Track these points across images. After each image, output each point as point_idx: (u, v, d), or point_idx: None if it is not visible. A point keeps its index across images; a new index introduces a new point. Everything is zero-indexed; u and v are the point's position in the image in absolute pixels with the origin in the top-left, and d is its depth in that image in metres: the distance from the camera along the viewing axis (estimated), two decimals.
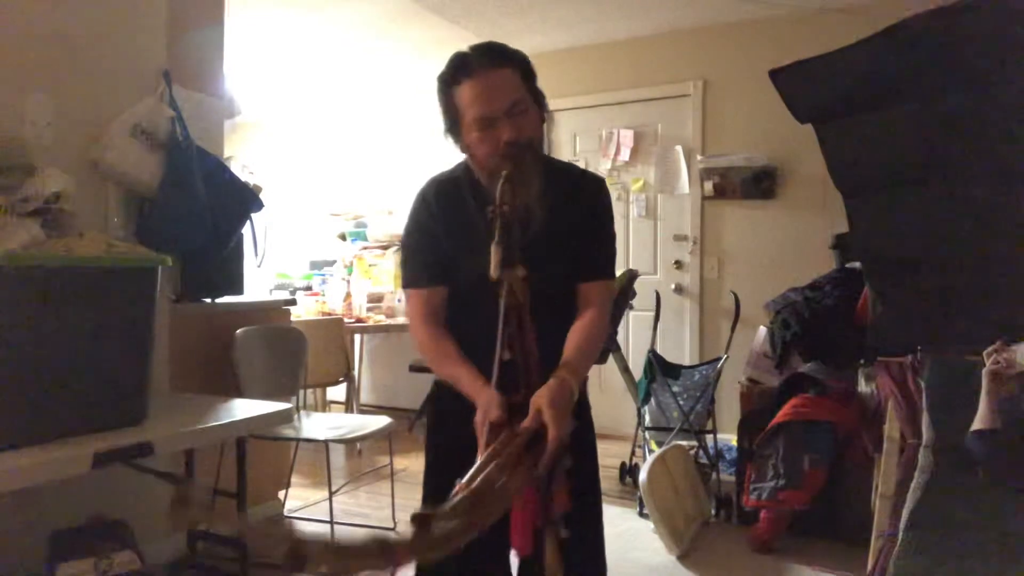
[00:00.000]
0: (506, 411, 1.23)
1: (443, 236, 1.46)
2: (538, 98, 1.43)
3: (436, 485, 1.53)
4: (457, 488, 1.04)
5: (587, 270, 1.47)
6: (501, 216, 1.22)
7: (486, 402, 1.26)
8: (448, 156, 1.54)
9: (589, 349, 1.40)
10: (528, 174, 1.34)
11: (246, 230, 2.75)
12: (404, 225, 1.56)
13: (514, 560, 1.29)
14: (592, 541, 1.51)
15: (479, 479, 1.06)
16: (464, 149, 1.44)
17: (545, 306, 1.37)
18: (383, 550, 0.88)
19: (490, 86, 1.35)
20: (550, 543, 1.27)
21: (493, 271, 1.21)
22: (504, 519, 1.24)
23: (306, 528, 3.08)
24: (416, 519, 0.92)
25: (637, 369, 3.70)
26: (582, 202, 1.49)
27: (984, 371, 1.90)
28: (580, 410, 1.43)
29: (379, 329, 4.89)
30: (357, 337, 4.94)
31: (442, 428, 1.57)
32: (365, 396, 5.42)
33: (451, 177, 1.51)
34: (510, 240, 1.22)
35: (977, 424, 1.87)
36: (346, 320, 4.58)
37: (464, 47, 1.42)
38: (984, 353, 1.92)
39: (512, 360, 1.26)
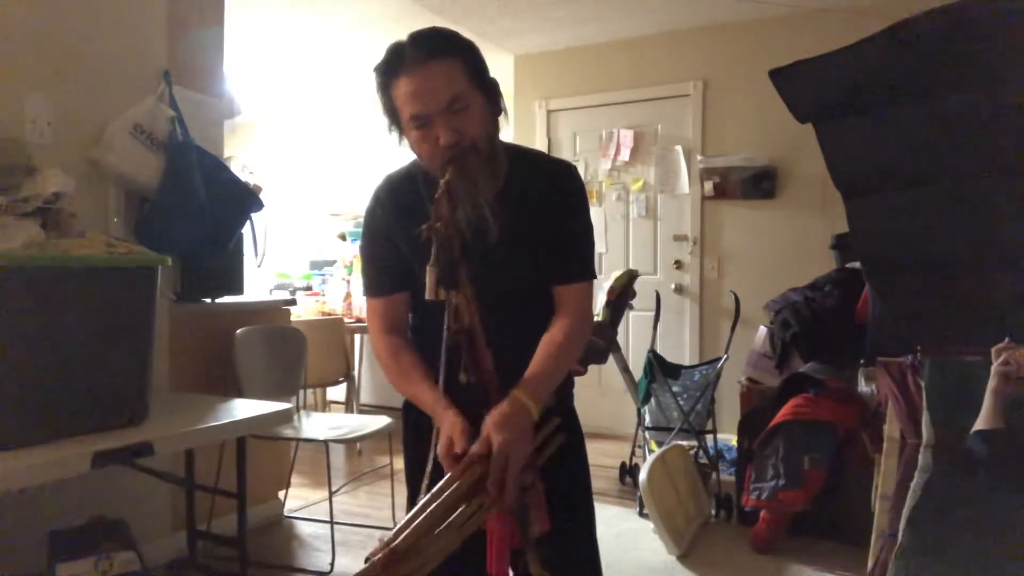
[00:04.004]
0: (470, 440, 1.14)
1: (399, 239, 1.33)
2: (489, 91, 1.27)
3: (414, 496, 1.42)
4: (384, 540, 0.97)
5: (560, 273, 1.34)
6: (436, 234, 1.08)
7: (449, 430, 1.17)
8: None
9: (556, 363, 1.27)
10: (474, 177, 1.20)
11: (246, 230, 2.75)
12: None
13: None
14: (586, 554, 1.44)
15: (411, 528, 1.00)
16: (410, 147, 1.30)
17: (520, 308, 1.30)
18: None
19: (425, 81, 1.20)
20: (533, 567, 1.21)
21: (428, 293, 1.08)
22: (482, 545, 1.17)
23: (306, 528, 3.08)
24: None
25: (637, 369, 3.70)
26: (549, 193, 1.33)
27: (993, 369, 1.89)
28: (568, 422, 1.36)
29: None
30: (357, 337, 4.94)
31: (415, 442, 1.41)
32: (365, 396, 5.42)
33: (406, 174, 1.37)
34: (449, 260, 1.08)
35: (980, 424, 1.87)
36: (346, 320, 4.58)
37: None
38: (993, 350, 1.92)
39: (472, 381, 1.16)
